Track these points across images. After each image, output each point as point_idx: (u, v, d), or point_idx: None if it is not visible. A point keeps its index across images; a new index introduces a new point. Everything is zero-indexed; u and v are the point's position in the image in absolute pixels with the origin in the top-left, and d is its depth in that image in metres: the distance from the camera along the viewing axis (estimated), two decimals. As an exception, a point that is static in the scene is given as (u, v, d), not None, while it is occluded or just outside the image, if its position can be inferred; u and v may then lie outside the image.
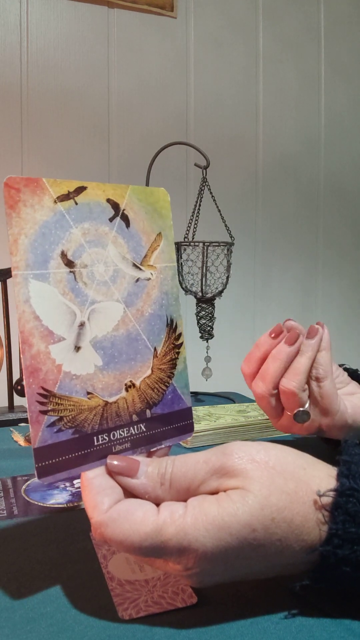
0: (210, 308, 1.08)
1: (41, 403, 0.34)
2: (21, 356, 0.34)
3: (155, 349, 0.40)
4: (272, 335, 0.57)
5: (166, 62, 1.37)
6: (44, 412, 0.34)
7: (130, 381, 0.38)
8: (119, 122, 1.33)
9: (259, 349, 0.57)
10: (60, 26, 1.27)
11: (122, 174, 1.32)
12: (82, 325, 0.36)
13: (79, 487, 0.57)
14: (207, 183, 1.09)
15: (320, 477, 0.34)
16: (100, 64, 1.30)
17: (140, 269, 0.40)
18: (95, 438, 0.36)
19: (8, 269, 0.96)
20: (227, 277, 1.09)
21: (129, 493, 0.35)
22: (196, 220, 1.09)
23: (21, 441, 0.78)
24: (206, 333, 1.08)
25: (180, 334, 0.42)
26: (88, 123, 1.29)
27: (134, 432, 0.38)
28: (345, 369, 0.63)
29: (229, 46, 1.45)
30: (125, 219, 0.39)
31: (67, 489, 0.57)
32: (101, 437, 0.36)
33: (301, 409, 0.55)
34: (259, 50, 1.49)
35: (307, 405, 0.56)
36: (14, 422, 0.90)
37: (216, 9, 1.43)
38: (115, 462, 0.35)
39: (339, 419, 0.56)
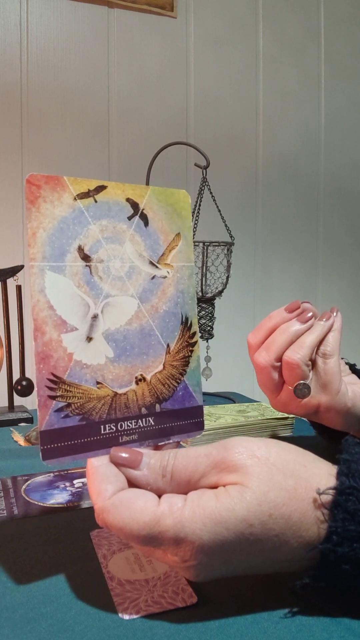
0: (210, 308, 1.08)
1: (50, 388, 0.35)
2: (33, 343, 0.35)
3: (168, 345, 0.40)
4: (287, 310, 0.57)
5: (166, 62, 1.37)
6: (53, 397, 0.35)
7: (141, 375, 0.39)
8: (119, 122, 1.33)
9: (271, 320, 0.58)
10: (60, 26, 1.27)
11: (122, 174, 1.32)
12: (95, 317, 0.37)
13: (79, 487, 0.57)
14: (207, 183, 1.09)
15: (320, 475, 0.34)
16: (100, 64, 1.30)
17: (157, 267, 0.41)
18: (102, 427, 0.37)
19: (8, 269, 0.96)
20: (227, 277, 1.09)
21: (133, 484, 0.35)
22: (196, 220, 1.09)
23: (21, 441, 0.78)
24: (206, 333, 1.08)
25: (194, 333, 0.42)
26: (88, 123, 1.29)
27: (142, 425, 0.39)
28: (346, 364, 0.63)
29: (229, 46, 1.45)
30: (144, 218, 0.40)
31: (67, 489, 0.57)
32: (108, 426, 0.37)
33: (302, 382, 0.55)
34: (259, 50, 1.49)
35: (309, 380, 0.55)
36: (14, 422, 0.90)
37: (216, 9, 1.43)
38: (119, 454, 0.36)
39: (339, 400, 0.56)
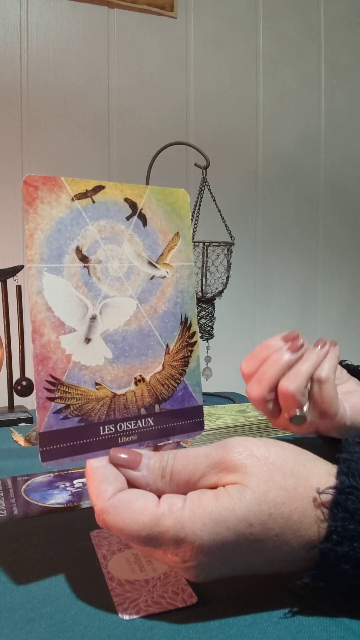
0: (210, 308, 1.08)
1: (49, 390, 0.35)
2: (32, 344, 0.35)
3: (167, 346, 0.40)
4: (285, 339, 0.55)
5: (166, 62, 1.37)
6: (51, 399, 0.35)
7: (140, 375, 0.39)
8: (119, 122, 1.33)
9: (265, 349, 0.55)
10: (60, 26, 1.27)
11: (122, 174, 1.32)
12: (93, 318, 0.37)
13: (79, 487, 0.57)
14: (207, 183, 1.09)
15: (320, 474, 0.34)
16: (100, 64, 1.30)
17: (156, 267, 0.40)
18: (101, 428, 0.37)
19: (8, 269, 0.96)
20: (227, 277, 1.09)
21: (132, 485, 0.35)
22: (196, 220, 1.09)
23: (21, 441, 0.78)
24: (206, 333, 1.08)
25: (194, 333, 0.42)
26: (88, 123, 1.29)
27: (141, 426, 0.39)
28: (347, 365, 0.63)
29: (229, 46, 1.45)
30: (143, 218, 0.40)
31: (67, 489, 0.57)
32: (107, 427, 0.37)
33: (298, 411, 0.53)
34: (259, 50, 1.49)
35: (305, 407, 0.54)
36: (14, 422, 0.90)
37: (216, 9, 1.43)
38: (118, 455, 0.36)
39: (338, 421, 0.55)
